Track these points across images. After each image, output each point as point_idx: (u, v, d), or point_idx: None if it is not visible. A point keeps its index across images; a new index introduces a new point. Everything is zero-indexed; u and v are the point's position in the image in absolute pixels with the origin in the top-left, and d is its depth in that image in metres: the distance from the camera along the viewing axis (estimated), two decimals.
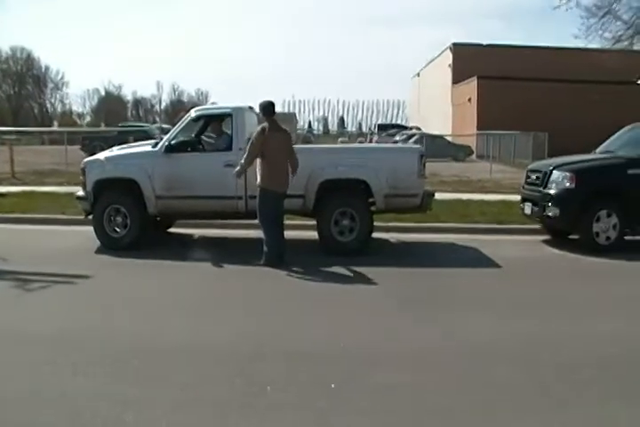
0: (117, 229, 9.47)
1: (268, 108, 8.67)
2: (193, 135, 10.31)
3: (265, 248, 8.49)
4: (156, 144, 9.79)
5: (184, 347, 5.33)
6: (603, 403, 4.33)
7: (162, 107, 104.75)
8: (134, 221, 9.40)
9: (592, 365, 5.00)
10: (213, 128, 10.20)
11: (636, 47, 21.84)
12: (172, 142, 9.53)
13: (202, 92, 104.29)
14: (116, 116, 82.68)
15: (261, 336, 5.67)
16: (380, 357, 5.18)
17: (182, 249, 9.69)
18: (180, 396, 4.35)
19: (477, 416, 4.13)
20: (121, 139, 21.03)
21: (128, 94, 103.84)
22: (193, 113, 9.86)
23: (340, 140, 53.31)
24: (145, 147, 10.10)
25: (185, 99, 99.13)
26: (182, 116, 10.22)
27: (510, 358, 5.15)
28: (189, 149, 9.69)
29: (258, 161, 8.50)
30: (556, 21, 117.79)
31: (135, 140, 13.88)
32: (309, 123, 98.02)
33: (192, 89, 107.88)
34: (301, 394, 4.43)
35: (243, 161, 8.51)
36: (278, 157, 8.45)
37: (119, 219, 9.45)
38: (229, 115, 9.70)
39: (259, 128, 8.51)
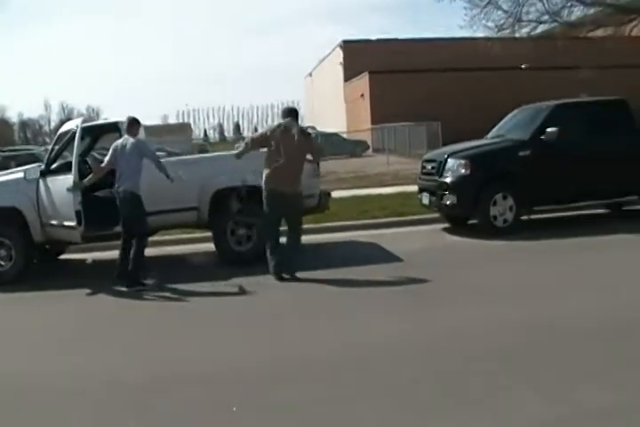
0: (2, 263, 8.79)
1: (291, 112, 8.25)
2: None
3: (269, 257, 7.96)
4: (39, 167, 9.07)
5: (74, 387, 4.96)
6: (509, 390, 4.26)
7: (51, 127, 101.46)
8: (20, 253, 8.75)
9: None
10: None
11: (517, 35, 23.43)
12: (53, 164, 8.98)
13: (92, 109, 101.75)
14: (1, 140, 79.23)
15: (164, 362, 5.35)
16: (289, 372, 4.97)
17: (76, 276, 9.16)
18: None
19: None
20: (7, 164, 19.89)
21: (13, 116, 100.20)
22: (64, 128, 9.31)
23: (236, 145, 52.86)
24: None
25: (75, 117, 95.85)
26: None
27: (421, 354, 5.04)
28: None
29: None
30: (443, 13, 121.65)
31: (20, 165, 13.06)
32: (205, 131, 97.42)
33: (82, 106, 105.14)
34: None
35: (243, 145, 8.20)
36: (288, 155, 7.79)
37: (3, 251, 8.76)
38: (115, 128, 9.08)
39: (275, 124, 8.29)
